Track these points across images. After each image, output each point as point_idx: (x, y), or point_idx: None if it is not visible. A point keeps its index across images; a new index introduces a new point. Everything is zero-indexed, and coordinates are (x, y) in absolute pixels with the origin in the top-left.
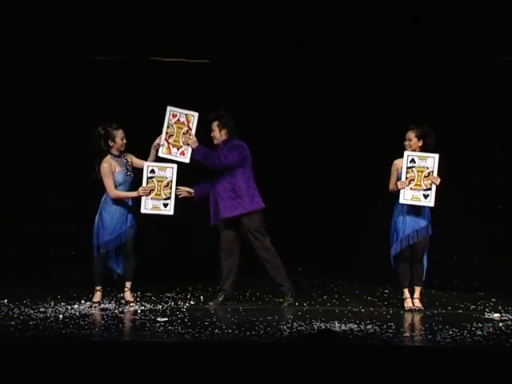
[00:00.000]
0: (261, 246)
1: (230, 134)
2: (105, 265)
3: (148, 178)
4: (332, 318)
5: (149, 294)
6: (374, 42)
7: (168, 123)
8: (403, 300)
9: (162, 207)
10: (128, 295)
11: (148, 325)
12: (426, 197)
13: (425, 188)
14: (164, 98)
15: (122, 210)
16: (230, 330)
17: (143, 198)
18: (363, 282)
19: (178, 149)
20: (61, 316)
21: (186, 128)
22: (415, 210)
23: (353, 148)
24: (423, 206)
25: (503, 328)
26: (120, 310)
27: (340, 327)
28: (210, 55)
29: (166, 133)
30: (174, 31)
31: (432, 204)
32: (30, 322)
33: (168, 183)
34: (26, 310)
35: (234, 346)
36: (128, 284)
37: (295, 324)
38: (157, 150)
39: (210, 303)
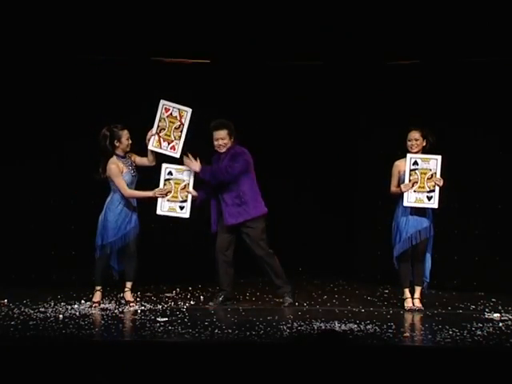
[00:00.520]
0: (263, 254)
1: (235, 141)
2: (106, 265)
3: (165, 179)
4: (332, 318)
5: (149, 294)
6: (373, 42)
7: (160, 117)
8: (403, 300)
9: (179, 209)
10: (128, 295)
11: (148, 325)
12: (429, 199)
13: (428, 190)
14: (164, 98)
15: (127, 211)
16: (229, 330)
17: (159, 200)
18: (363, 282)
19: (169, 143)
20: (61, 316)
21: (179, 123)
22: (418, 211)
23: (353, 148)
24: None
25: (503, 328)
26: (120, 310)
27: (340, 327)
28: (210, 55)
29: (158, 126)
30: (174, 31)
31: (436, 205)
32: (30, 322)
33: (185, 186)
34: (26, 310)
35: (233, 346)
36: (128, 284)
37: (295, 324)
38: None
39: (210, 303)
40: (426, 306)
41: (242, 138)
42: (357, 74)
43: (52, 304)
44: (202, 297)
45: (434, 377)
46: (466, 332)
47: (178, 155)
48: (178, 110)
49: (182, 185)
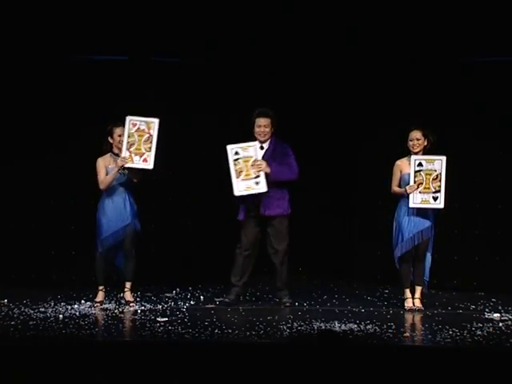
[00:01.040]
0: (284, 249)
1: (274, 133)
2: (106, 264)
3: (234, 160)
4: (332, 317)
5: (149, 294)
6: (373, 42)
7: (128, 132)
8: (404, 300)
9: (255, 186)
10: (128, 295)
11: (148, 325)
12: (435, 199)
13: (434, 190)
14: (164, 98)
15: (118, 208)
16: (230, 330)
17: (234, 181)
18: (363, 282)
19: (141, 156)
20: (61, 316)
21: (148, 135)
22: (420, 211)
23: (353, 148)
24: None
25: (503, 328)
26: (120, 309)
27: (340, 327)
28: (210, 55)
29: (128, 142)
30: (174, 31)
31: (442, 206)
32: (30, 322)
33: (254, 162)
34: (26, 310)
35: (233, 346)
36: (128, 284)
37: (295, 324)
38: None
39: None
40: (426, 305)
41: (243, 138)
42: (357, 74)
43: (52, 304)
44: (202, 297)
45: (434, 377)
46: (466, 332)
47: (151, 166)
48: (145, 122)
49: (251, 161)
